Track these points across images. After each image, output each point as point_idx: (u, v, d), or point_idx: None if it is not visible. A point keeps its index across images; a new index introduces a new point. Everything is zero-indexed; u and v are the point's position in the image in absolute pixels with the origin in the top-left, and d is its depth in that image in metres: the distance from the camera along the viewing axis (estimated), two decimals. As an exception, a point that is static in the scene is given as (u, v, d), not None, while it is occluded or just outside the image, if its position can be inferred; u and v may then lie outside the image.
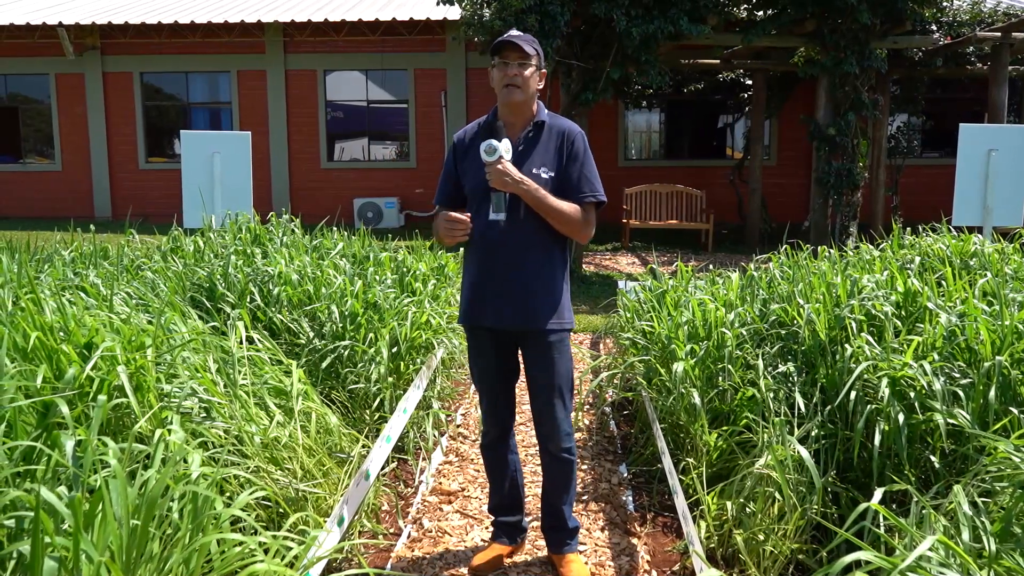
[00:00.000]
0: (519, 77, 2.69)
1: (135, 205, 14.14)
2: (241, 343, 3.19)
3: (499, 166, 2.64)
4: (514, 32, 2.76)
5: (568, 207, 2.73)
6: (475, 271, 2.81)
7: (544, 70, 2.81)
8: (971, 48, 11.86)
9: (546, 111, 2.84)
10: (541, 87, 2.80)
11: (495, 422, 2.96)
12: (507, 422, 2.99)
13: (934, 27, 11.37)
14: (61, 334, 2.70)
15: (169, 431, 2.29)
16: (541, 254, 2.77)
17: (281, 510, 2.70)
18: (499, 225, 2.73)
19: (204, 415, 2.79)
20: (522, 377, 2.95)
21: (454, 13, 11.82)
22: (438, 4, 9.98)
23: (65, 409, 1.89)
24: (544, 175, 2.73)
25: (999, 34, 10.57)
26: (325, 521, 2.66)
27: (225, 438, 2.72)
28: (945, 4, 10.65)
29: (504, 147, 2.66)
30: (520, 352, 2.89)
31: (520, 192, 2.67)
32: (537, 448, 3.02)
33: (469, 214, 2.73)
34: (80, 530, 1.38)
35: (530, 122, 2.79)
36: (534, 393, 2.86)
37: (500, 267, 2.75)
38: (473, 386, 3.06)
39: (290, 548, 2.20)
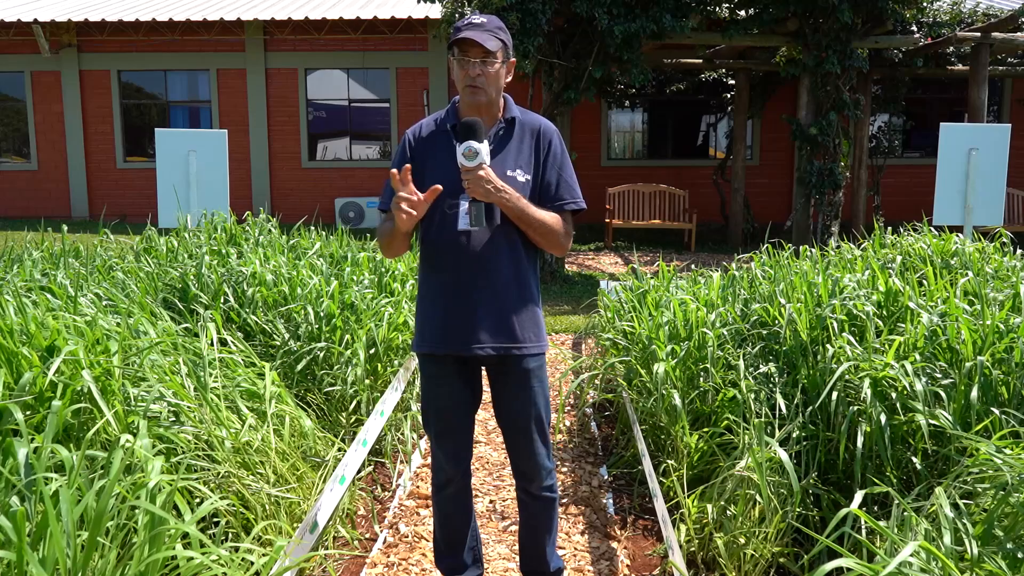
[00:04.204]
0: (482, 77, 2.32)
1: (113, 205, 13.96)
2: (213, 345, 3.12)
3: (481, 172, 2.25)
4: (475, 19, 2.35)
5: (551, 218, 2.40)
6: (440, 288, 2.42)
7: (513, 59, 2.45)
8: (951, 48, 11.93)
9: (515, 106, 2.49)
10: (510, 79, 2.43)
11: (456, 464, 2.54)
12: (468, 461, 2.59)
13: (915, 27, 11.43)
14: (23, 337, 2.61)
15: (134, 436, 2.21)
16: (517, 268, 2.42)
17: (254, 515, 2.63)
18: (469, 236, 2.37)
19: (173, 419, 2.71)
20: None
21: (435, 11, 11.76)
22: (419, 2, 9.91)
23: (19, 415, 1.81)
24: (521, 178, 2.39)
25: (979, 34, 10.64)
26: (296, 528, 2.60)
27: (194, 443, 2.64)
28: (925, 4, 10.71)
29: (485, 150, 2.27)
30: (490, 382, 2.54)
31: (501, 202, 2.30)
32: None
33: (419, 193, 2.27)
34: (24, 544, 1.31)
35: (498, 119, 2.44)
36: (510, 427, 2.51)
37: (471, 284, 2.38)
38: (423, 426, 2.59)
39: (259, 558, 2.14)
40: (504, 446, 4.22)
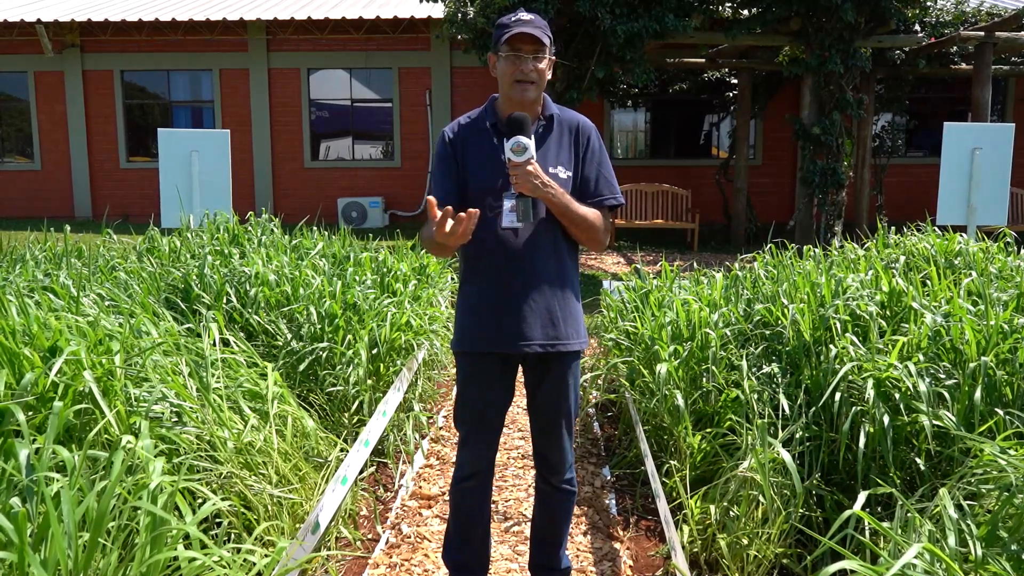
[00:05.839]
0: (535, 72, 2.34)
1: (116, 205, 13.98)
2: (215, 345, 3.12)
3: (529, 167, 2.26)
4: (523, 15, 2.35)
5: (592, 213, 2.42)
6: (484, 288, 2.42)
7: (554, 56, 2.46)
8: (955, 48, 11.91)
9: (553, 103, 2.51)
10: (550, 76, 2.45)
11: (483, 457, 2.55)
12: (493, 457, 2.59)
13: (918, 27, 11.41)
14: (25, 337, 2.61)
15: (135, 437, 2.21)
16: (561, 266, 2.44)
17: (256, 516, 2.63)
18: (515, 234, 2.38)
19: (175, 420, 2.71)
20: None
21: (438, 11, 11.75)
22: (421, 2, 9.91)
23: (20, 415, 1.81)
24: (563, 175, 2.41)
25: (982, 33, 10.61)
26: (298, 529, 2.59)
27: (196, 443, 2.64)
28: (929, 4, 10.69)
29: (532, 145, 2.29)
30: (526, 376, 2.54)
31: (546, 197, 2.31)
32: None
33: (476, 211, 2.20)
34: (25, 545, 1.31)
35: (539, 116, 2.45)
36: (542, 421, 2.53)
37: (518, 283, 2.38)
38: (455, 422, 2.59)
39: (261, 559, 2.13)
40: (506, 446, 4.21)
